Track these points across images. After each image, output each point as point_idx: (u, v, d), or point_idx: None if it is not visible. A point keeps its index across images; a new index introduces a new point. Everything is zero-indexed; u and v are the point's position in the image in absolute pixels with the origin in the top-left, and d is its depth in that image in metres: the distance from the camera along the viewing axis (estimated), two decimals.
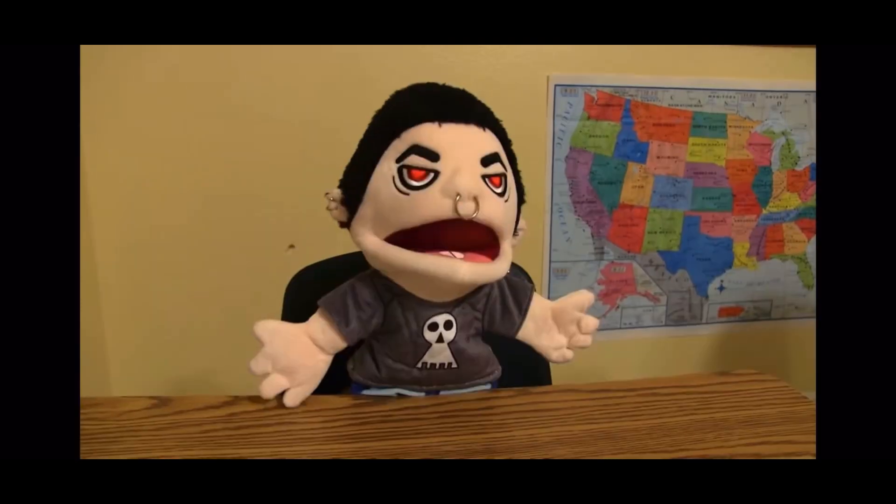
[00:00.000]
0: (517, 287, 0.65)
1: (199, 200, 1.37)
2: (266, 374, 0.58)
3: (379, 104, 0.61)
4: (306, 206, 1.38)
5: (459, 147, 0.55)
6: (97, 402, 0.59)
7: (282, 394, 0.60)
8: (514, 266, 0.61)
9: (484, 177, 0.55)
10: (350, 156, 0.61)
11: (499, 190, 0.56)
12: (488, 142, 0.57)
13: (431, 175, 0.53)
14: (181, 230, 1.38)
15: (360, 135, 0.61)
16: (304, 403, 0.60)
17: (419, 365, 0.61)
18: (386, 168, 0.55)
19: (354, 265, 0.65)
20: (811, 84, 1.57)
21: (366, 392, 0.64)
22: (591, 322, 0.65)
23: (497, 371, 0.66)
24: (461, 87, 0.61)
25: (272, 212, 1.39)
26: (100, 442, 0.52)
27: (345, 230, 0.62)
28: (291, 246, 1.41)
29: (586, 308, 0.65)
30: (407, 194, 0.53)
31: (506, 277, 0.64)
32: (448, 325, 0.60)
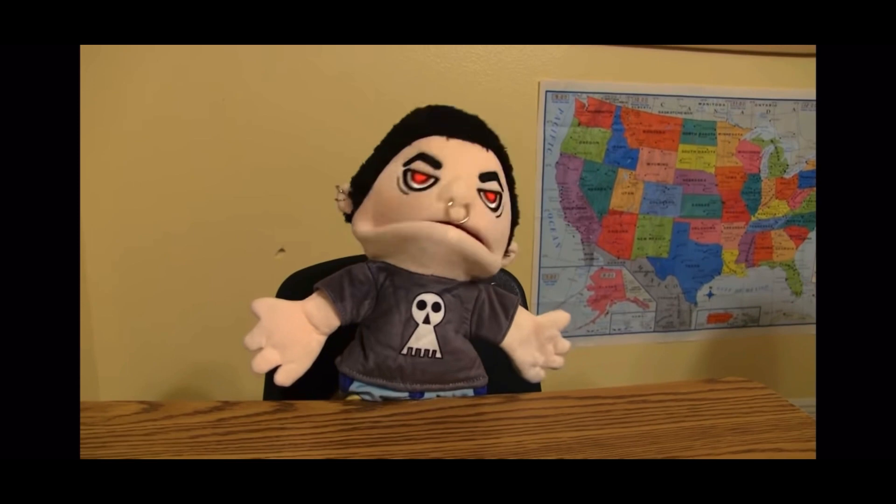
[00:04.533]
0: (504, 296, 0.68)
1: (189, 204, 1.37)
2: (260, 349, 0.59)
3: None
4: (297, 210, 1.38)
5: (461, 160, 0.60)
6: (86, 407, 0.58)
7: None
8: (503, 272, 0.63)
9: (480, 191, 0.60)
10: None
11: (492, 205, 0.61)
12: (489, 161, 0.63)
13: (432, 181, 0.59)
14: (171, 234, 1.37)
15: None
16: (293, 409, 0.60)
17: (404, 351, 0.61)
18: (393, 169, 0.61)
19: None
20: (800, 93, 1.58)
21: (351, 388, 0.64)
22: (565, 344, 0.70)
23: (483, 379, 0.66)
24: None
25: (262, 216, 1.39)
26: (88, 447, 0.51)
27: (340, 232, 0.63)
28: (281, 250, 1.41)
29: (561, 327, 0.69)
30: (406, 194, 0.59)
31: (494, 287, 0.68)
32: (436, 308, 0.62)
